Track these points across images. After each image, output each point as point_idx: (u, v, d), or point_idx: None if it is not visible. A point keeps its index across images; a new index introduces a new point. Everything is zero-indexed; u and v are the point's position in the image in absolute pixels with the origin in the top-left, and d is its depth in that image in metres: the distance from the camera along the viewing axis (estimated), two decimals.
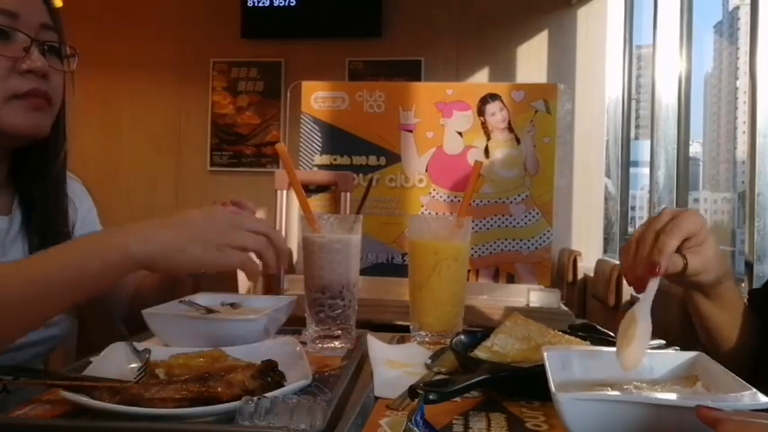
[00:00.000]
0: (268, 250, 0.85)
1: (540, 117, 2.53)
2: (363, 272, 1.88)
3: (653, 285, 0.77)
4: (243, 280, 3.83)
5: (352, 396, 0.80)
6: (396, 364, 0.91)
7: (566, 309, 2.15)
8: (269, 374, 0.74)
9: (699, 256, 0.82)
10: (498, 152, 2.56)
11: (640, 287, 0.78)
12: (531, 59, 4.35)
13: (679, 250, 0.82)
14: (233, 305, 1.10)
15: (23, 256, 1.02)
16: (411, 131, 2.62)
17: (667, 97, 3.39)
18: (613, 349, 0.77)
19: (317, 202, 2.57)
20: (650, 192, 3.54)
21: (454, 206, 2.52)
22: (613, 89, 4.36)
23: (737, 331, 0.92)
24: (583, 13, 4.31)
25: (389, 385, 0.81)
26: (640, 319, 0.74)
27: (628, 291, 2.61)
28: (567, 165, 4.13)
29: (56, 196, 1.08)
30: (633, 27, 4.32)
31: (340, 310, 1.04)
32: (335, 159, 2.66)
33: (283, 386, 0.73)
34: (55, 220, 1.07)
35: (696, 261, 0.81)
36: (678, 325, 1.09)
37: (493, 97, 2.57)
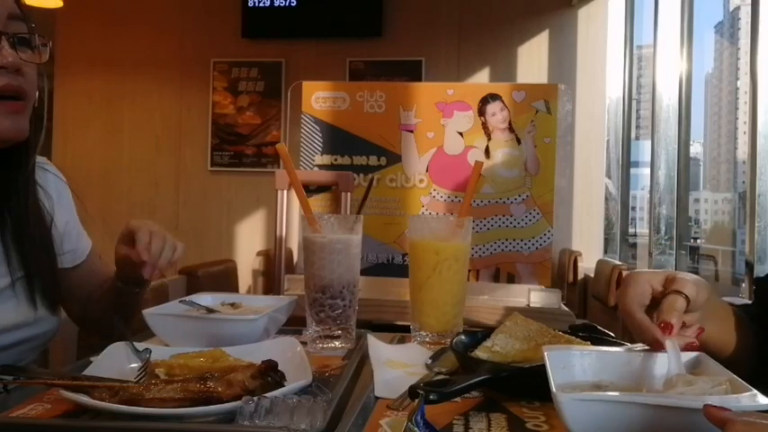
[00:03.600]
0: None
1: (541, 117, 2.53)
2: (364, 272, 1.88)
3: (673, 344, 0.74)
4: (242, 279, 3.84)
5: (352, 396, 0.80)
6: (396, 365, 0.91)
7: (566, 309, 2.15)
8: (269, 374, 0.74)
9: (687, 284, 0.79)
10: (499, 152, 2.56)
11: (660, 347, 0.75)
12: (532, 59, 4.35)
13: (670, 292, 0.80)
14: (233, 305, 1.10)
15: None
16: (411, 131, 2.62)
17: (668, 97, 3.38)
18: (614, 349, 0.77)
19: (317, 202, 2.57)
20: (651, 192, 3.54)
21: (454, 206, 2.52)
22: (614, 89, 4.36)
23: (733, 339, 0.91)
24: (583, 13, 4.31)
25: (390, 385, 0.81)
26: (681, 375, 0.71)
27: None
28: (568, 165, 4.13)
29: (28, 192, 1.04)
30: (634, 27, 4.32)
31: (340, 311, 1.03)
32: (336, 159, 2.66)
33: (283, 386, 0.73)
34: (31, 216, 1.04)
35: (689, 288, 0.79)
36: None
37: (493, 97, 2.57)
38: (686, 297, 0.78)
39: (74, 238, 1.17)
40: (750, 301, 1.02)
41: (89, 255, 1.21)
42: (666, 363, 0.73)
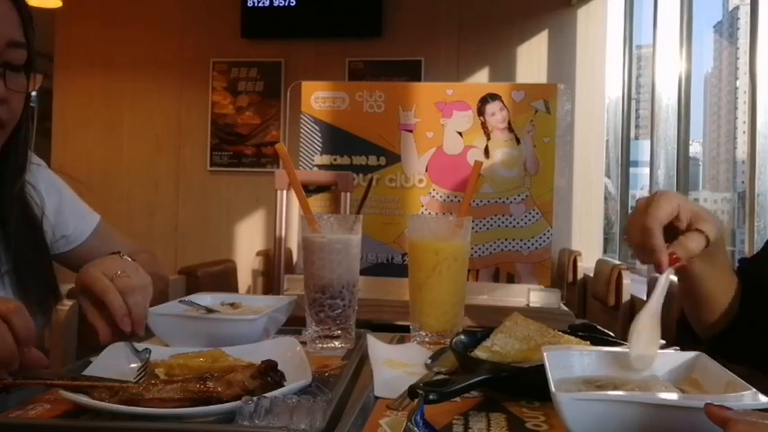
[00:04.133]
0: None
1: (540, 117, 2.53)
2: (363, 272, 1.88)
3: (667, 278, 0.77)
4: (242, 279, 3.84)
5: (352, 396, 0.80)
6: (396, 365, 0.91)
7: (566, 309, 2.16)
8: (269, 374, 0.74)
9: (711, 227, 0.82)
10: (498, 152, 2.56)
11: (660, 268, 0.78)
12: (532, 59, 4.35)
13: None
14: (233, 305, 1.10)
15: None
16: (411, 131, 2.62)
17: (667, 97, 3.39)
18: (614, 349, 0.77)
19: (317, 202, 2.57)
20: (650, 192, 3.54)
21: (454, 206, 2.52)
22: (613, 89, 4.36)
23: (725, 296, 0.93)
24: (583, 12, 4.31)
25: (389, 385, 0.81)
26: (653, 318, 0.75)
27: (628, 291, 2.62)
28: (567, 165, 4.13)
29: (15, 207, 1.03)
30: (633, 27, 4.32)
31: (340, 310, 1.04)
32: (335, 159, 2.66)
33: (283, 386, 0.73)
34: (19, 218, 1.03)
35: (712, 232, 0.81)
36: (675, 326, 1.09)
37: (493, 97, 2.57)
38: (707, 239, 0.81)
39: (66, 224, 1.17)
40: None
41: (93, 234, 1.20)
42: (667, 362, 0.73)
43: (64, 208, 1.18)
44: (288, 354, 0.85)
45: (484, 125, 2.57)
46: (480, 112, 2.57)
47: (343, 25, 4.44)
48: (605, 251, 4.28)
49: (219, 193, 4.65)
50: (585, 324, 1.03)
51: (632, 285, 2.64)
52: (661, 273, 0.76)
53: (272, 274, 2.82)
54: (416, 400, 0.64)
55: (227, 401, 0.69)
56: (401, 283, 1.54)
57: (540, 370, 0.67)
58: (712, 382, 0.68)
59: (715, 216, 0.84)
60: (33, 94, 1.00)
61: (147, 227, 4.65)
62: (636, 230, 0.82)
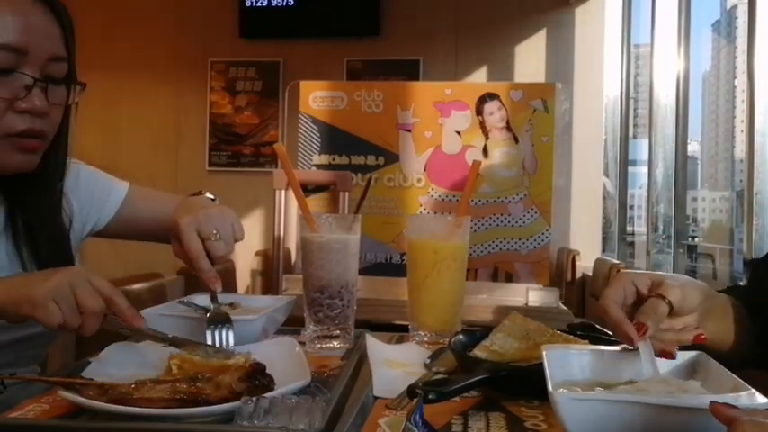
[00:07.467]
0: (92, 317, 0.83)
1: (539, 116, 2.53)
2: (362, 271, 1.88)
3: (647, 347, 0.74)
4: (241, 279, 3.83)
5: (351, 396, 0.80)
6: (395, 364, 0.91)
7: (564, 308, 2.16)
8: (256, 378, 0.73)
9: (672, 289, 0.77)
10: (497, 151, 2.56)
11: (631, 343, 0.75)
12: (530, 59, 4.35)
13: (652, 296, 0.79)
14: (231, 305, 1.10)
15: (6, 257, 1.00)
16: (409, 131, 2.62)
17: (665, 96, 3.39)
18: (613, 348, 0.77)
19: (315, 202, 2.57)
20: (649, 191, 3.54)
21: (452, 205, 2.52)
22: (612, 88, 4.36)
23: (732, 333, 0.89)
24: (581, 11, 4.31)
25: (388, 385, 0.81)
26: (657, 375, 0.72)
27: None
28: (566, 164, 4.13)
29: (52, 216, 1.04)
30: (631, 26, 4.33)
31: (339, 310, 1.03)
32: (334, 159, 2.67)
33: (272, 389, 0.73)
34: (50, 232, 1.04)
35: (674, 294, 0.77)
36: None
37: (491, 97, 2.57)
38: (669, 303, 0.76)
39: (90, 217, 1.19)
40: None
41: (123, 206, 1.24)
42: (667, 362, 0.73)
43: (86, 200, 1.19)
44: (287, 354, 0.85)
45: (482, 124, 2.57)
46: (479, 111, 2.57)
47: (342, 25, 4.44)
48: (604, 250, 4.28)
49: (218, 193, 4.58)
50: (584, 323, 1.03)
51: None
52: (633, 345, 0.72)
53: (270, 273, 2.82)
54: (415, 400, 0.64)
55: (215, 403, 0.69)
56: (400, 282, 1.54)
57: (538, 369, 0.67)
58: (712, 381, 0.68)
59: (684, 280, 0.80)
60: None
61: None
62: (601, 316, 0.80)
